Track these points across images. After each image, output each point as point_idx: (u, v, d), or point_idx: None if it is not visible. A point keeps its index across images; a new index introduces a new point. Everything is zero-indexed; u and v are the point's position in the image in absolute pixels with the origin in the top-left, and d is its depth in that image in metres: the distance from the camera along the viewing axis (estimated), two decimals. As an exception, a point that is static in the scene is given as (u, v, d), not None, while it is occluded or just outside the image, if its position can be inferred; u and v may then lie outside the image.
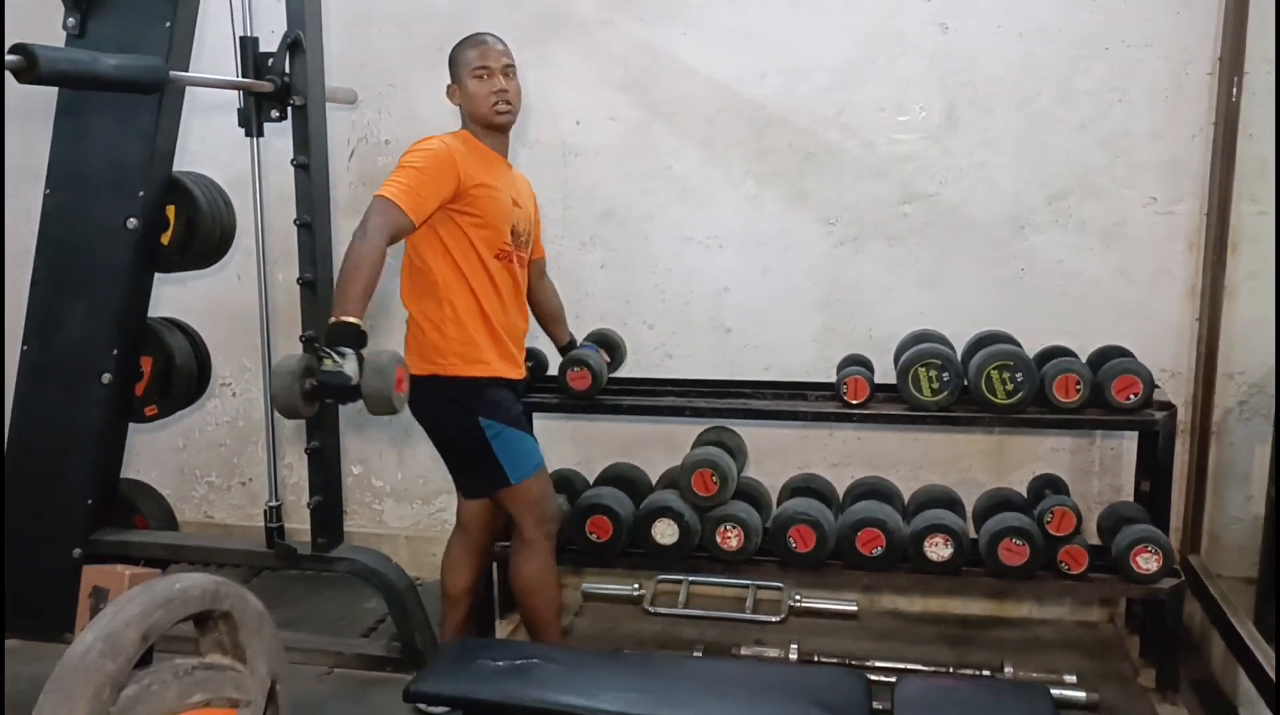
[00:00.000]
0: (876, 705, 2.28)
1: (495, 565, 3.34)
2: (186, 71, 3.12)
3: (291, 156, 3.08)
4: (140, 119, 3.09)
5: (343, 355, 2.43)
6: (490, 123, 2.80)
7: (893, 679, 2.50)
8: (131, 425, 3.39)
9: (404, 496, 3.99)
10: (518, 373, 2.90)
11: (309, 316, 3.15)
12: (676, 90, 3.53)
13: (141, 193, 3.12)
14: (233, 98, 3.20)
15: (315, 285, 3.12)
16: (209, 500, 4.15)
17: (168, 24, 3.04)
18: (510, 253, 2.80)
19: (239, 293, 3.86)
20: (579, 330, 3.68)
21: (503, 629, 3.46)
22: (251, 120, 3.10)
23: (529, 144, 3.64)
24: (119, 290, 3.17)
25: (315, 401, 2.50)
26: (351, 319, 2.49)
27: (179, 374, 3.33)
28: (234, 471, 4.11)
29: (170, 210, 3.22)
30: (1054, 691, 2.92)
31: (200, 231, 3.24)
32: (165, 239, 3.24)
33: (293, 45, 2.99)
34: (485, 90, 2.77)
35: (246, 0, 3.10)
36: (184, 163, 3.33)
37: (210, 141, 3.67)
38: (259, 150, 3.15)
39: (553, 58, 3.59)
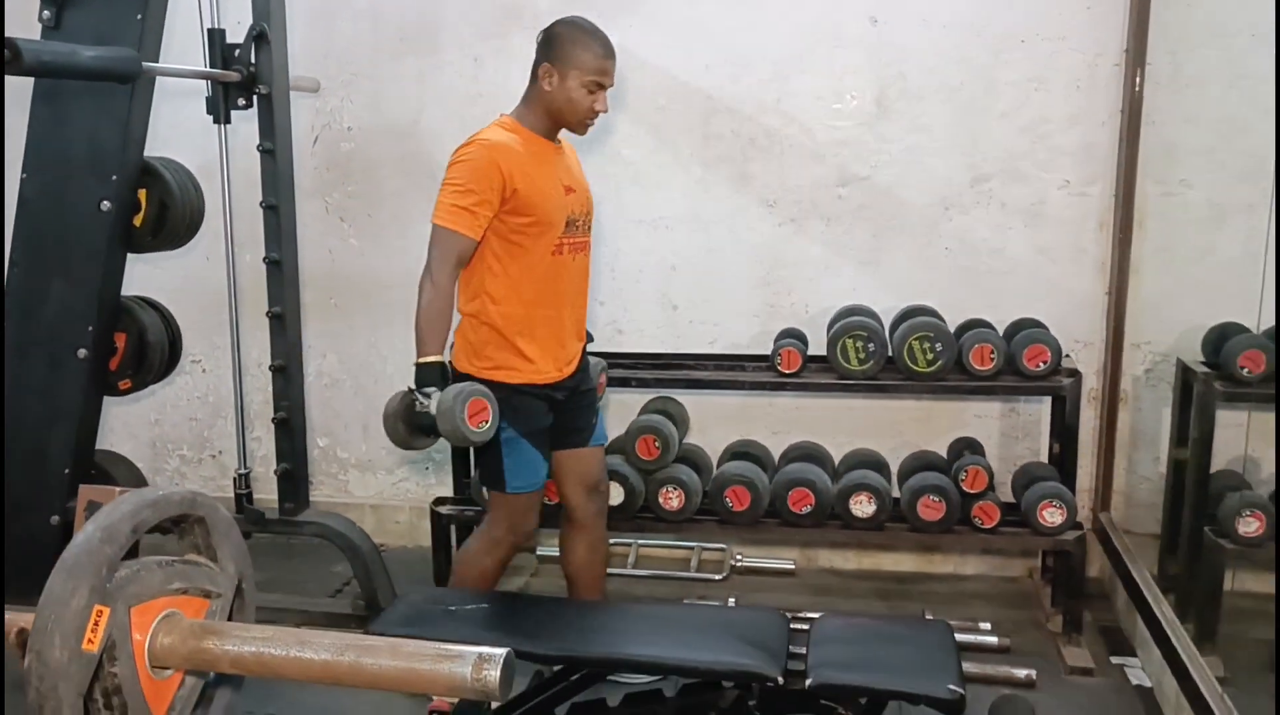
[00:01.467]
0: (794, 647, 2.50)
1: (454, 527, 3.56)
2: (157, 62, 3.29)
3: (257, 142, 3.25)
4: (114, 107, 3.25)
5: (428, 395, 2.51)
6: (572, 130, 2.69)
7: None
8: (107, 399, 3.55)
9: (369, 467, 4.19)
10: (565, 371, 2.76)
11: (275, 293, 3.34)
12: (629, 80, 3.70)
13: (115, 177, 3.27)
14: (201, 86, 3.37)
15: (281, 264, 3.31)
16: (181, 472, 4.33)
17: (139, 16, 3.19)
18: (564, 244, 2.67)
19: (208, 273, 4.02)
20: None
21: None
22: (219, 108, 3.27)
23: (486, 130, 3.82)
24: (94, 270, 3.32)
25: (422, 436, 2.59)
26: (432, 359, 2.55)
27: (152, 349, 3.48)
28: (205, 444, 4.29)
29: (142, 194, 3.37)
30: (971, 637, 3.22)
31: (171, 214, 3.39)
32: (138, 221, 3.39)
33: (258, 37, 3.17)
34: (589, 104, 2.61)
35: (214, -7, 3.26)
36: (155, 148, 3.49)
37: (180, 128, 3.82)
38: (226, 137, 3.32)
39: (512, 48, 3.76)
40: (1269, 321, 3.12)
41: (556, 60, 2.58)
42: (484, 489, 2.94)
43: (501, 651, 1.10)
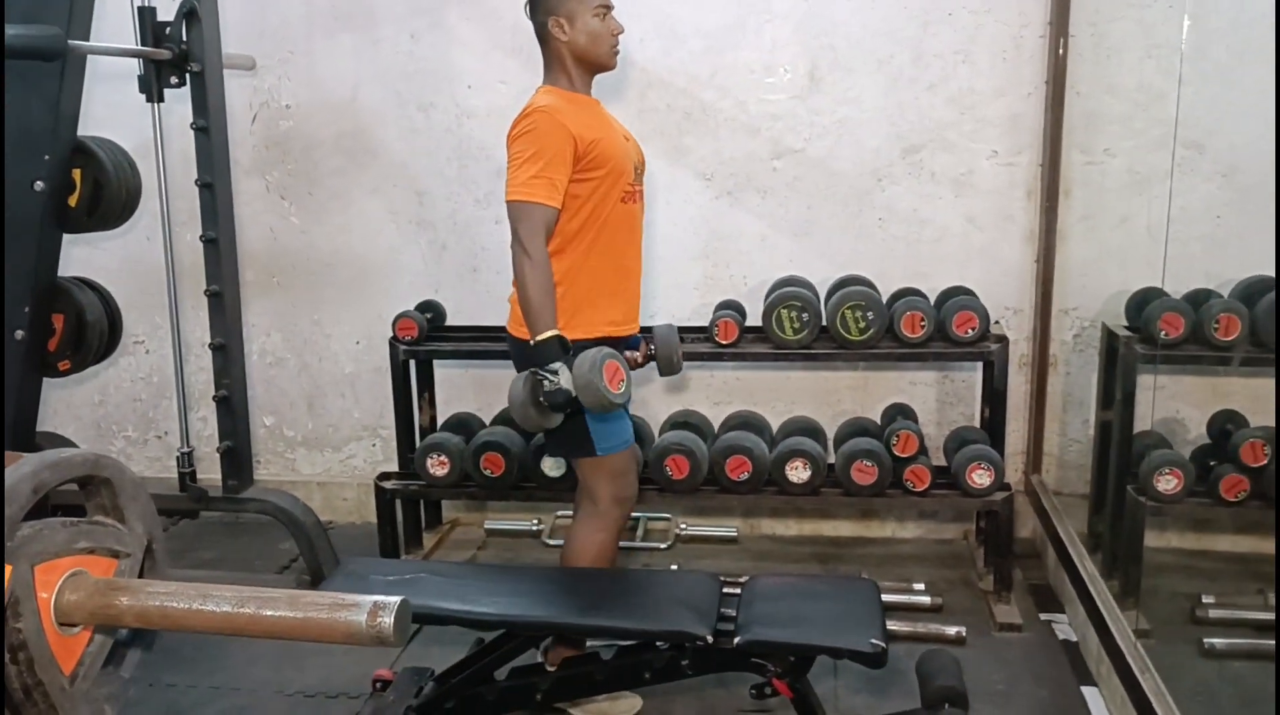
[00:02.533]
0: (727, 609, 2.56)
1: (399, 502, 3.59)
2: (87, 40, 3.27)
3: (191, 121, 3.26)
4: (44, 86, 3.23)
5: (555, 372, 2.43)
6: (604, 64, 2.64)
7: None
8: (49, 381, 3.55)
9: (315, 445, 4.20)
10: (632, 327, 2.76)
11: (213, 271, 3.35)
12: (562, 55, 3.74)
13: (47, 157, 3.25)
14: (136, 66, 3.36)
15: (218, 242, 3.32)
16: (126, 453, 4.32)
17: (68, -5, 3.19)
18: (635, 191, 2.66)
19: (149, 252, 4.02)
20: (477, 285, 3.93)
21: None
22: (151, 86, 3.27)
23: (424, 107, 3.84)
24: (28, 250, 3.31)
25: (554, 412, 2.49)
26: (550, 334, 2.46)
27: (90, 330, 3.48)
28: (150, 425, 4.29)
29: (76, 173, 3.37)
30: (904, 598, 3.29)
31: (107, 194, 3.38)
32: (72, 201, 3.38)
33: (189, 14, 3.17)
34: (606, 30, 2.58)
35: (143, -29, 3.25)
36: (92, 128, 3.47)
37: (117, 107, 3.80)
38: (160, 115, 3.32)
39: (447, 24, 3.78)
40: (1173, 285, 3.21)
41: (559, 9, 2.56)
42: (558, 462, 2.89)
43: (396, 599, 1.14)
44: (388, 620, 1.12)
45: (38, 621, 1.16)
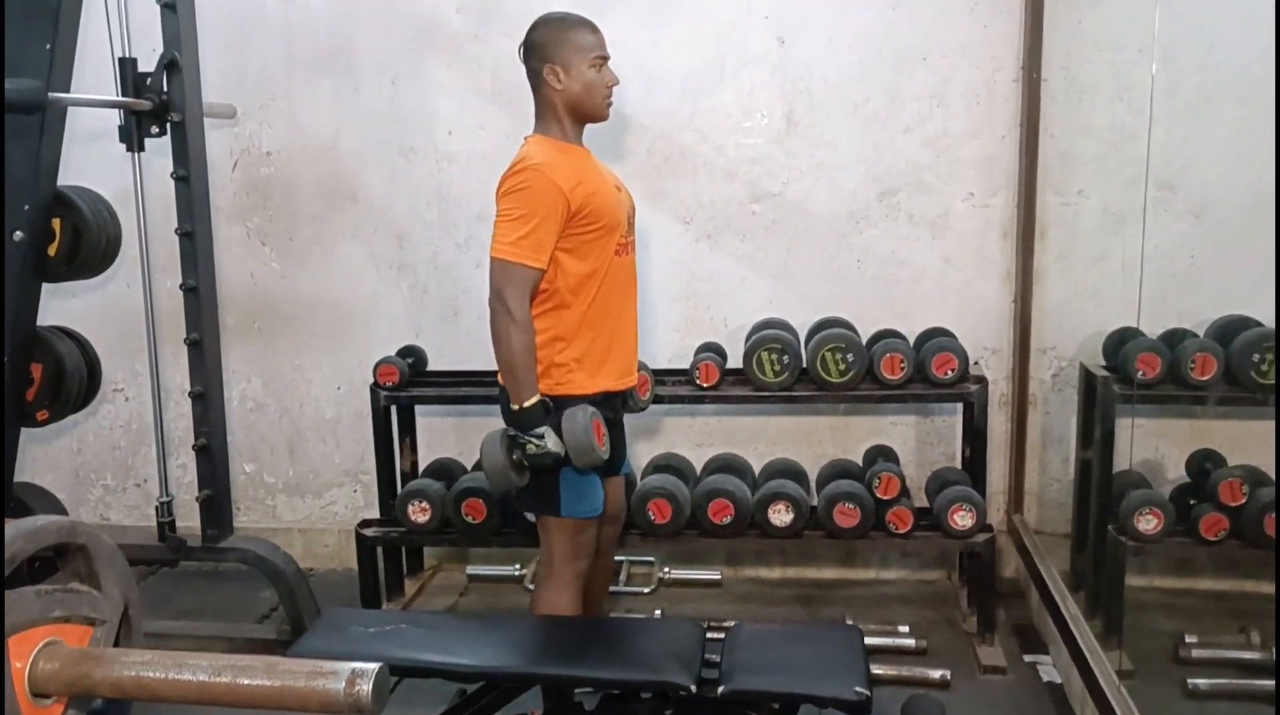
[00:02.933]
0: (712, 655, 2.55)
1: (380, 549, 3.57)
2: (68, 91, 3.28)
3: (171, 170, 3.26)
4: (24, 137, 3.23)
5: (541, 436, 2.43)
6: (597, 115, 2.63)
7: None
8: (27, 431, 3.52)
9: (296, 491, 4.18)
10: (627, 380, 2.74)
11: (193, 319, 3.34)
12: (542, 100, 3.76)
13: (27, 206, 3.26)
14: (115, 116, 3.36)
15: (198, 290, 3.32)
16: (105, 502, 4.29)
17: (48, 46, 3.19)
18: (628, 242, 2.66)
19: (129, 300, 4.00)
20: (459, 329, 3.93)
21: (390, 608, 3.67)
22: (132, 136, 3.28)
23: (405, 152, 3.86)
24: (7, 300, 3.31)
25: (530, 473, 2.51)
26: (535, 400, 2.46)
27: (69, 379, 3.46)
28: (129, 473, 4.25)
29: (56, 223, 3.36)
30: (889, 641, 3.29)
31: (86, 243, 3.38)
32: (52, 250, 3.38)
33: (169, 65, 3.18)
34: (602, 81, 2.58)
35: (124, 22, 3.27)
36: (71, 177, 3.47)
37: (97, 156, 3.80)
38: (141, 165, 3.32)
39: (426, 71, 3.81)
40: (1149, 324, 3.25)
41: (554, 57, 2.55)
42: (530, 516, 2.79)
43: (374, 666, 1.14)
44: (366, 688, 1.11)
45: (11, 693, 1.14)
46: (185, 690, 1.15)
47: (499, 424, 3.87)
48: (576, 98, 2.58)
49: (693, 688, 2.34)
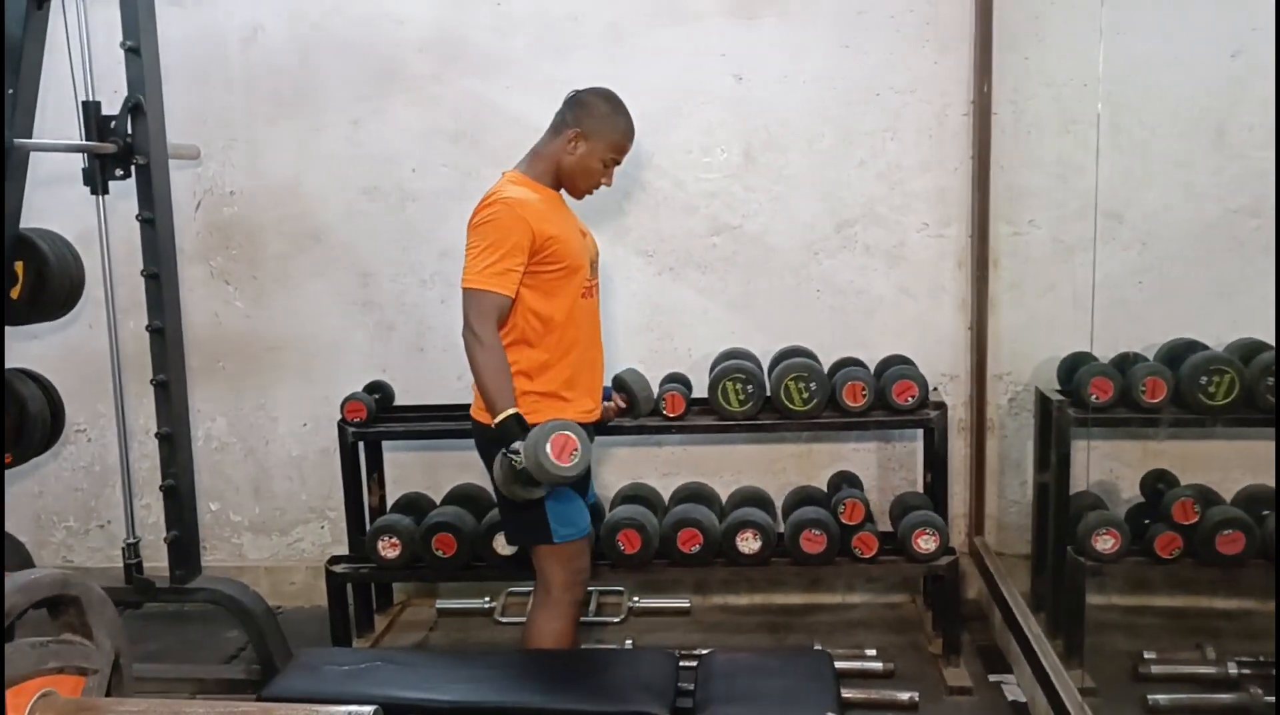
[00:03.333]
0: (685, 684, 2.59)
1: (350, 586, 3.57)
2: (30, 136, 3.28)
3: (136, 212, 3.27)
4: (-14, 181, 3.23)
5: (517, 452, 2.50)
6: (573, 193, 2.83)
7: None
8: (-16, 472, 3.50)
9: (262, 530, 4.16)
10: (592, 416, 2.85)
11: (159, 361, 3.34)
12: (505, 137, 3.76)
13: (-11, 250, 3.25)
14: (78, 158, 3.36)
15: (164, 332, 3.32)
16: (67, 545, 4.25)
17: (10, 91, 3.20)
18: (592, 285, 2.81)
19: (91, 342, 4.00)
20: (424, 364, 3.96)
21: (360, 644, 3.66)
22: (96, 179, 3.28)
23: (368, 191, 3.89)
24: (-31, 343, 3.29)
25: (534, 486, 2.57)
26: (507, 414, 2.55)
27: (32, 422, 3.44)
28: (91, 515, 4.22)
29: (19, 266, 3.36)
30: (856, 664, 3.34)
31: (50, 285, 3.36)
32: (15, 293, 3.37)
33: (134, 109, 3.20)
34: (599, 177, 2.80)
35: (88, 66, 3.28)
36: (32, 219, 3.46)
37: (58, 198, 3.78)
38: (105, 207, 3.32)
39: (389, 110, 3.85)
40: (1100, 349, 3.35)
41: (587, 128, 2.71)
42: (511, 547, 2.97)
43: (369, 709, 1.17)
44: (360, 731, 1.14)
45: (8, 745, 1.16)
46: (182, 737, 1.17)
47: (467, 457, 3.93)
48: (571, 171, 2.77)
49: (667, 717, 2.38)
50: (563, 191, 2.87)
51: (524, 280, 2.61)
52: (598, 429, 3.00)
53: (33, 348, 3.95)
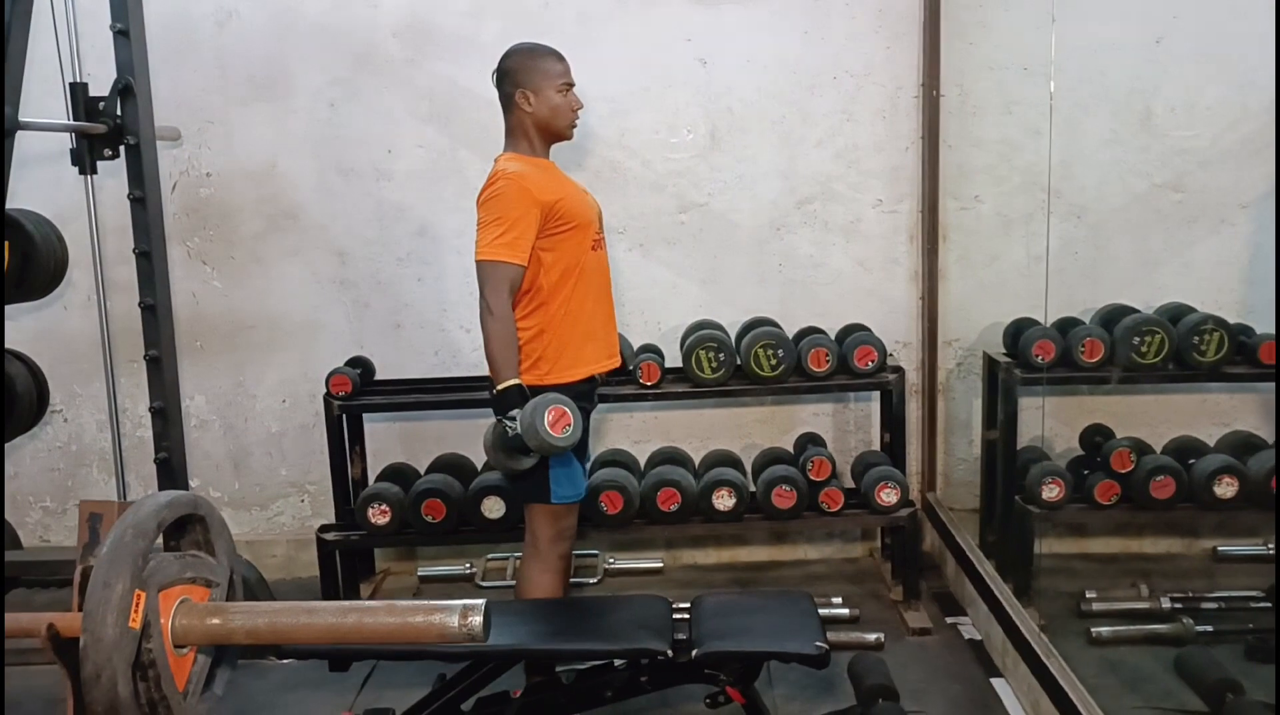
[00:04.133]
0: (676, 617, 2.78)
1: (338, 554, 3.70)
2: (17, 116, 3.33)
3: (126, 192, 3.35)
4: (-28, 161, 3.28)
5: (514, 418, 2.62)
6: (562, 135, 2.90)
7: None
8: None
9: (242, 505, 4.25)
10: (610, 362, 2.98)
11: (151, 337, 3.43)
12: (478, 119, 3.91)
13: (-25, 231, 3.30)
14: (57, 139, 3.42)
15: (155, 308, 3.41)
16: (44, 524, 4.29)
17: (-3, 73, 3.25)
18: (600, 238, 2.92)
19: (68, 322, 4.06)
20: (400, 341, 4.09)
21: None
22: (84, 159, 3.35)
23: (344, 172, 4.00)
24: (-42, 323, 3.33)
25: (524, 457, 2.69)
26: (509, 383, 2.66)
27: (20, 402, 3.50)
28: (67, 494, 4.26)
29: (5, 246, 3.41)
30: (824, 611, 3.55)
31: (35, 265, 3.42)
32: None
33: (124, 90, 3.28)
34: (567, 105, 2.86)
35: (75, 48, 3.34)
36: (13, 201, 3.51)
37: (30, 179, 3.83)
38: (93, 187, 3.40)
39: (364, 93, 3.96)
40: (1054, 314, 3.62)
41: (525, 83, 2.82)
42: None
43: (481, 602, 1.33)
44: (477, 620, 1.31)
45: (162, 642, 1.30)
46: (317, 632, 1.32)
47: (445, 428, 4.08)
48: (545, 119, 2.85)
49: (669, 652, 2.57)
50: (552, 160, 2.99)
51: (537, 244, 2.73)
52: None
53: (7, 329, 3.97)
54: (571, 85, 2.88)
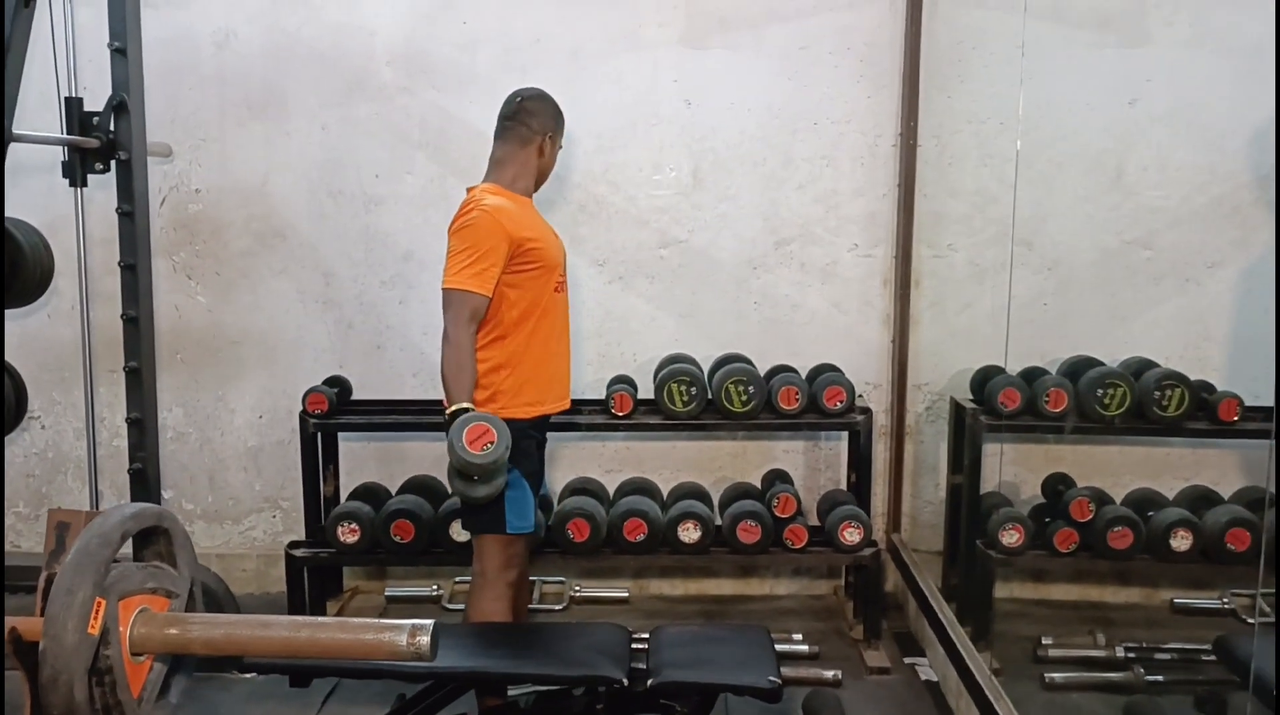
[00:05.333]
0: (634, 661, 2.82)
1: (306, 570, 3.73)
2: (11, 128, 3.40)
3: (115, 206, 3.41)
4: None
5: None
6: (540, 186, 3.04)
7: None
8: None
9: (215, 518, 4.29)
10: (563, 402, 3.04)
11: (132, 348, 3.48)
12: (467, 149, 3.97)
13: (-35, 238, 3.35)
14: (45, 151, 3.48)
15: (138, 320, 3.46)
16: (16, 530, 4.31)
17: (-6, 85, 3.32)
18: (563, 281, 2.99)
19: (49, 331, 4.11)
20: (382, 362, 4.14)
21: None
22: (75, 172, 3.41)
23: (333, 194, 4.07)
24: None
25: (473, 481, 2.67)
26: (456, 406, 2.69)
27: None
28: (42, 500, 4.29)
29: (-1, 253, 3.46)
30: (784, 647, 3.62)
31: (23, 273, 3.49)
32: (-12, 279, 3.48)
33: (118, 107, 3.35)
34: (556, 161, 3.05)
35: (72, 65, 3.41)
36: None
37: (31, 188, 3.88)
38: (83, 199, 3.46)
39: (356, 118, 4.04)
40: (1010, 363, 3.71)
41: (554, 130, 2.98)
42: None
43: (430, 622, 1.39)
44: (425, 639, 1.36)
45: (120, 649, 1.35)
46: (271, 645, 1.37)
47: (419, 450, 4.13)
48: (547, 169, 3.02)
49: (625, 681, 2.61)
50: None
51: (503, 278, 2.79)
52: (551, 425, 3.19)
53: (-9, 334, 4.02)
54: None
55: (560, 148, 3.03)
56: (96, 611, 1.29)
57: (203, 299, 4.15)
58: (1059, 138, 3.91)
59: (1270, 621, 3.17)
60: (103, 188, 3.55)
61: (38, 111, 3.52)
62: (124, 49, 3.37)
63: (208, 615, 1.44)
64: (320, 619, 1.42)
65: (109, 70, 3.39)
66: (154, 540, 1.48)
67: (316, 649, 1.37)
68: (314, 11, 3.99)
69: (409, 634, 1.36)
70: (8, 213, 3.60)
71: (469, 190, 2.93)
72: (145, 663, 1.42)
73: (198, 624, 1.41)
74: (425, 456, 4.12)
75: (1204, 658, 3.42)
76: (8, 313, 3.83)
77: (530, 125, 2.95)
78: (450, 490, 2.82)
